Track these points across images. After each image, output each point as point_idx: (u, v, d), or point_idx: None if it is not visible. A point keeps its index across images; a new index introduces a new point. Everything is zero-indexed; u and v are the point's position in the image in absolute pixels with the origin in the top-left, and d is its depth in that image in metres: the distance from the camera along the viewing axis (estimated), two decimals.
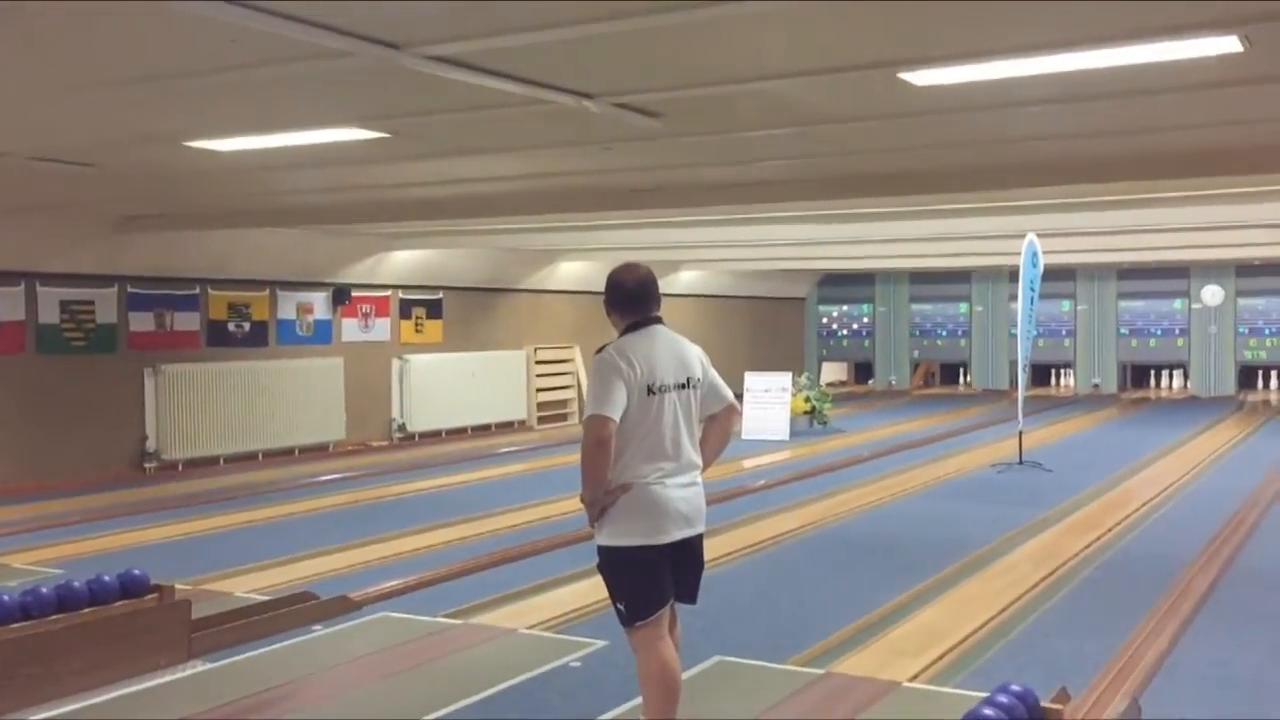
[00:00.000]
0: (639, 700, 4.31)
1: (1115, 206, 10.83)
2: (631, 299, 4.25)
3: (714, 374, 4.37)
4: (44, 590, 5.49)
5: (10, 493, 11.20)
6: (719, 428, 4.40)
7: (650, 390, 4.08)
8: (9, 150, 7.59)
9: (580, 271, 18.83)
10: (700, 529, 4.27)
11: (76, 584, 5.60)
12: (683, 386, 4.19)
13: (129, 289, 12.76)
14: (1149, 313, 23.73)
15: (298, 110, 6.28)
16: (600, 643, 5.86)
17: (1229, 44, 4.66)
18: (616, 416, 4.00)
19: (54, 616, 5.40)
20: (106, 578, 5.70)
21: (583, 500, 4.14)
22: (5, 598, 5.37)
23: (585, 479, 4.07)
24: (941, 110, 6.19)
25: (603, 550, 4.17)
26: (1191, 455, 13.72)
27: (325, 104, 6.10)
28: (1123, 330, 23.96)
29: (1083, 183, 8.32)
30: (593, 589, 6.72)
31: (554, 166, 8.49)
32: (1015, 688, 3.94)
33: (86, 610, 5.52)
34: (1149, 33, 4.55)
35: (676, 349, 4.24)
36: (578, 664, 5.65)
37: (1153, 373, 24.81)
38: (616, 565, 4.15)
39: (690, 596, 4.33)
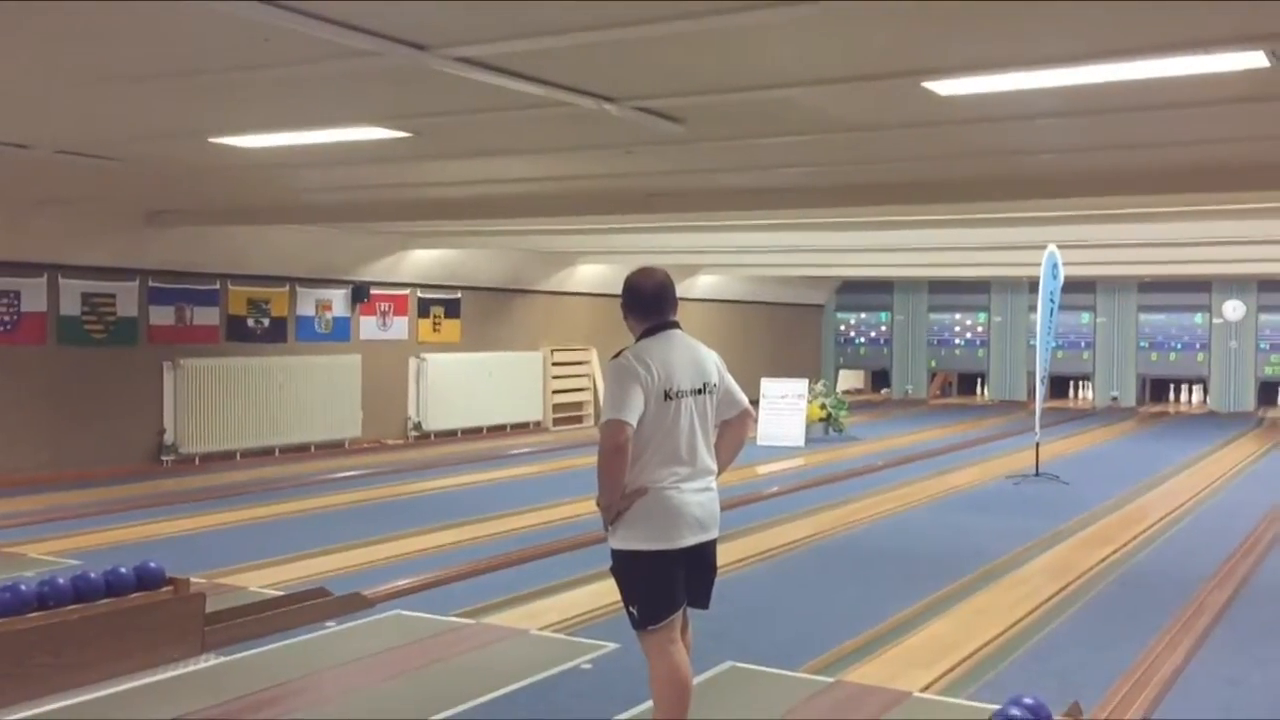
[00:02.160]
0: (649, 704, 4.31)
1: (1137, 219, 10.79)
2: (649, 303, 4.25)
3: (730, 379, 4.36)
4: (61, 581, 5.52)
5: (28, 483, 11.28)
6: (734, 433, 4.40)
7: (667, 395, 4.08)
8: (35, 143, 7.66)
9: (599, 274, 18.86)
10: (714, 534, 4.27)
11: (93, 575, 5.64)
12: (699, 392, 4.18)
13: (150, 283, 12.84)
14: (1169, 326, 23.62)
15: (323, 109, 6.32)
16: (612, 645, 5.87)
17: (1255, 59, 4.64)
18: (634, 421, 4.00)
19: (70, 607, 5.43)
20: (123, 570, 5.74)
21: (599, 504, 4.15)
22: (22, 587, 5.41)
23: (602, 484, 4.06)
24: (965, 120, 6.18)
25: (617, 554, 4.17)
26: (1209, 471, 13.64)
27: (350, 103, 6.14)
28: (1142, 343, 23.85)
29: (1105, 195, 8.29)
30: (605, 591, 6.72)
31: (575, 169, 8.51)
32: (1027, 700, 3.92)
33: (102, 602, 5.55)
34: (1175, 47, 4.54)
35: (693, 354, 4.23)
36: (589, 666, 5.65)
37: (1172, 387, 24.68)
38: (630, 569, 4.14)
39: (703, 602, 4.33)
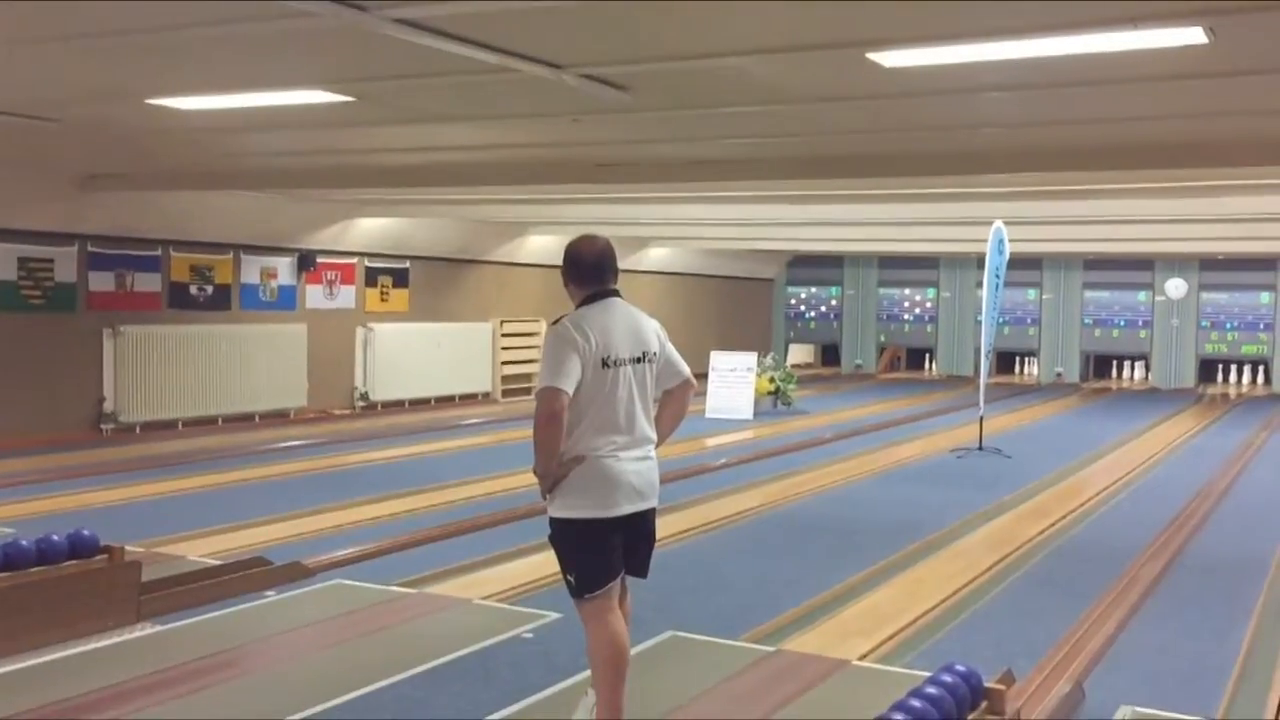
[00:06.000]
0: (587, 673, 4.32)
1: (1082, 196, 10.90)
2: (589, 271, 4.22)
3: (671, 348, 4.35)
4: None
5: None
6: (675, 403, 4.39)
7: (605, 363, 4.06)
8: None
9: (549, 245, 18.77)
10: (653, 503, 4.26)
11: (25, 543, 5.54)
12: (638, 360, 4.16)
13: (89, 248, 12.60)
14: (1113, 304, 23.96)
15: (261, 70, 6.21)
16: (553, 615, 5.87)
17: (1193, 35, 4.69)
18: (570, 389, 3.98)
19: (0, 574, 5.34)
20: (55, 537, 5.65)
21: (535, 473, 4.13)
22: None
23: (538, 452, 4.04)
24: (909, 93, 6.20)
25: (554, 522, 4.16)
26: (1149, 446, 13.87)
27: (289, 65, 6.04)
28: (1087, 320, 24.18)
29: (1048, 170, 8.36)
30: (547, 562, 6.68)
31: (522, 137, 8.45)
32: (960, 668, 3.98)
33: (34, 570, 5.46)
34: (1114, 21, 4.56)
35: (633, 322, 4.21)
36: (530, 635, 5.65)
37: (1115, 363, 25.07)
38: (567, 537, 4.14)
39: (641, 570, 4.33)
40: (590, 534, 4.08)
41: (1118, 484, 10.86)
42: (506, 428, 14.42)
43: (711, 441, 13.48)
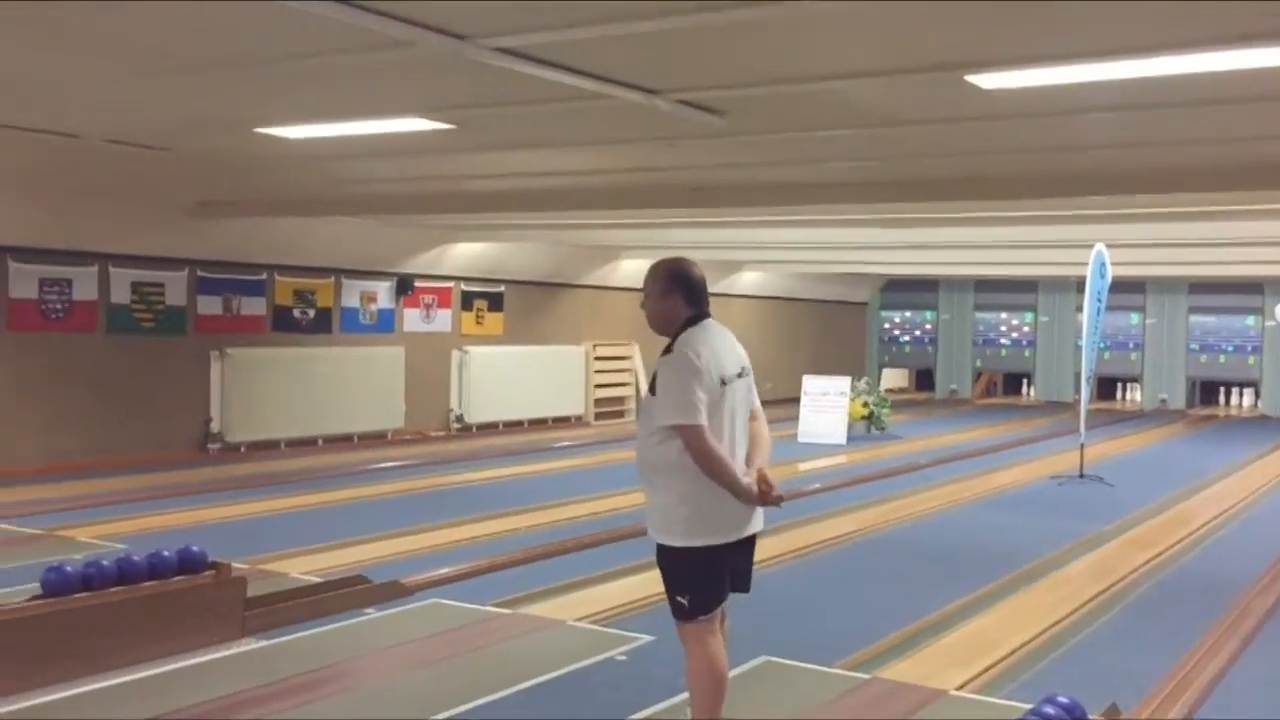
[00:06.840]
0: (683, 696, 4.32)
1: (1187, 218, 10.63)
2: (699, 292, 4.27)
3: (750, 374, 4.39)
4: (105, 563, 5.59)
5: (78, 469, 11.47)
6: (758, 433, 4.33)
7: (722, 380, 4.10)
8: (84, 132, 7.77)
9: (641, 269, 18.65)
10: (760, 525, 4.27)
11: (136, 558, 5.71)
12: (740, 375, 4.22)
13: (198, 273, 13.01)
14: (1220, 328, 23.27)
15: (364, 99, 6.37)
16: (647, 638, 5.87)
17: None
18: (706, 421, 4.00)
19: (114, 589, 5.51)
20: (165, 553, 5.81)
21: (741, 496, 4.07)
22: (68, 569, 5.50)
23: (721, 483, 4.01)
24: (1009, 115, 6.12)
25: (672, 550, 4.13)
26: (1258, 476, 13.42)
27: (392, 94, 6.18)
28: (1192, 345, 23.51)
29: (1153, 193, 8.18)
30: (642, 584, 6.74)
31: (618, 162, 8.52)
32: (1062, 699, 3.88)
33: (145, 584, 5.62)
34: (1221, 40, 4.47)
35: (729, 340, 4.28)
36: (624, 657, 5.66)
37: (1222, 390, 24.31)
38: (686, 562, 4.13)
39: (745, 585, 4.33)
40: (708, 559, 4.10)
41: (1225, 514, 10.53)
42: (599, 450, 14.49)
43: (804, 466, 13.39)
